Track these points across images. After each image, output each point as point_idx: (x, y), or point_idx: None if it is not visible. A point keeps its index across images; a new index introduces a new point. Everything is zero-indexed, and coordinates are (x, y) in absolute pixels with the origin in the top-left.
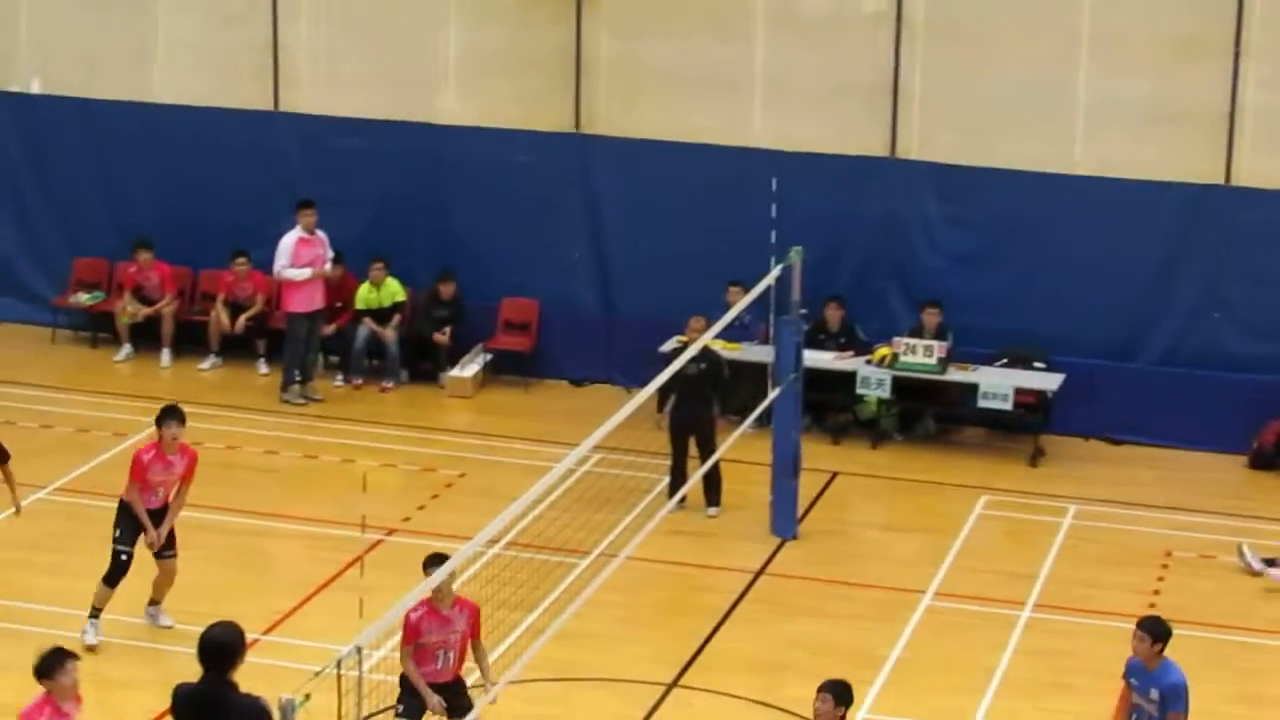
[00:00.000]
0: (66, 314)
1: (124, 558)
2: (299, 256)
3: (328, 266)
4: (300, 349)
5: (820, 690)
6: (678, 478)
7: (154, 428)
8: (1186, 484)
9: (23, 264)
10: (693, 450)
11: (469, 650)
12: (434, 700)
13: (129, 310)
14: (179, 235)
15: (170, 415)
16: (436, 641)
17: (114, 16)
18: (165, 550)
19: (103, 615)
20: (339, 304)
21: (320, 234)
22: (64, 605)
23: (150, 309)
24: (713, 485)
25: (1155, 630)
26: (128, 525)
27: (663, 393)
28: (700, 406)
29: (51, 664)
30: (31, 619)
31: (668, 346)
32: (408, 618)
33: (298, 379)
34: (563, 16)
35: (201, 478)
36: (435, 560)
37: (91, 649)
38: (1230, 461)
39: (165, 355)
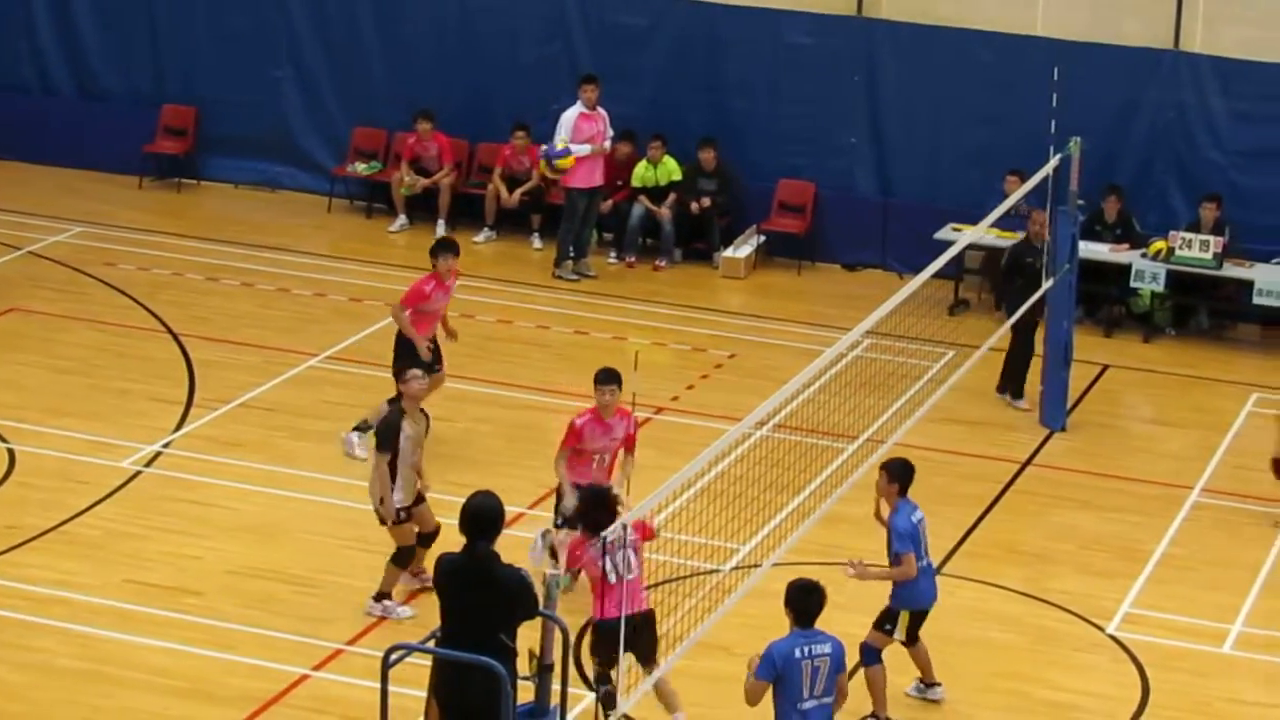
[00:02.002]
0: (344, 183)
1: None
2: (579, 132)
3: (607, 143)
4: (577, 225)
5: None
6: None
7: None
8: None
9: (304, 132)
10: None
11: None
12: (571, 501)
13: (407, 182)
14: (459, 107)
15: (445, 248)
16: (597, 447)
17: None
18: (435, 365)
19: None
20: (619, 182)
21: (601, 110)
22: (329, 473)
23: (428, 181)
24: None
25: None
26: (401, 356)
27: (1005, 287)
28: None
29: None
30: (295, 484)
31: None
32: (572, 423)
33: (572, 255)
34: None
35: (473, 351)
36: (607, 376)
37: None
38: None
39: (440, 227)
